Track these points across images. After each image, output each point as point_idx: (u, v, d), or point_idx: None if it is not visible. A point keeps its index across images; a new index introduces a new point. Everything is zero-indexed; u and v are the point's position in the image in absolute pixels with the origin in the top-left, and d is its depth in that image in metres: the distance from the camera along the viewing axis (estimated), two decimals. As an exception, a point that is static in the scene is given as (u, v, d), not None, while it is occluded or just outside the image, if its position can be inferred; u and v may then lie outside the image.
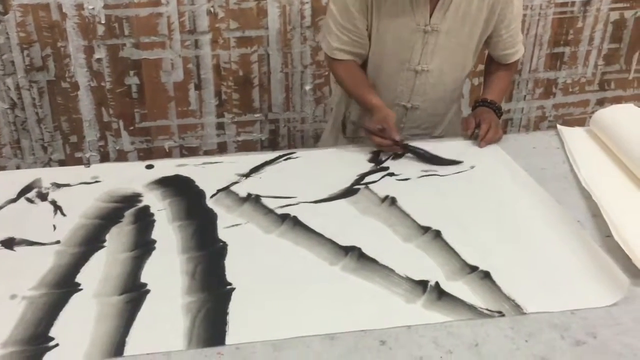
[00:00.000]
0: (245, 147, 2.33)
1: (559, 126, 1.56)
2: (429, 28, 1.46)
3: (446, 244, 1.10)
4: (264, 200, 1.24)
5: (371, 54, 1.53)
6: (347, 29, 1.48)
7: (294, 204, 1.23)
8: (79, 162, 2.21)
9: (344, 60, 1.53)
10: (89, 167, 1.38)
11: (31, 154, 2.18)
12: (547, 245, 1.09)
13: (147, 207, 1.22)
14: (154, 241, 1.11)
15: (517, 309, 0.94)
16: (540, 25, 2.42)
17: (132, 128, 2.21)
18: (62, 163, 2.21)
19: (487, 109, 1.55)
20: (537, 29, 2.43)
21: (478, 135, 1.47)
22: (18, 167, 2.18)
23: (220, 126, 2.28)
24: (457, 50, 1.53)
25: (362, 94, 1.50)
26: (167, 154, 2.27)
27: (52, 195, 1.26)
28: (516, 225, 1.15)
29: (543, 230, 1.14)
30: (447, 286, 0.99)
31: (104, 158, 2.23)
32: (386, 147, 1.40)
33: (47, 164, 2.20)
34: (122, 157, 2.25)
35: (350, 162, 1.40)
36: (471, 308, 0.94)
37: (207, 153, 2.30)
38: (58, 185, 1.30)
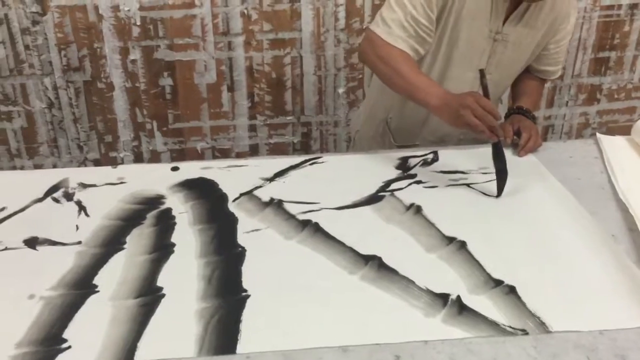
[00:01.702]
0: (278, 149, 2.33)
1: (598, 134, 1.50)
2: (499, 37, 1.40)
3: (471, 255, 1.06)
4: (286, 206, 1.22)
5: (440, 56, 1.45)
6: (417, 21, 1.34)
7: (316, 210, 1.21)
8: (113, 161, 2.24)
9: (398, 46, 1.37)
10: (116, 167, 1.39)
11: (67, 153, 2.22)
12: (578, 260, 1.04)
13: (169, 210, 1.22)
14: (173, 244, 1.11)
15: (542, 327, 0.89)
16: (585, 28, 2.34)
17: (165, 129, 2.23)
18: (97, 162, 2.25)
19: (523, 117, 1.49)
20: (581, 33, 2.35)
21: (517, 143, 1.42)
22: (55, 166, 2.22)
23: (252, 128, 2.28)
24: (516, 62, 1.48)
25: (426, 80, 1.33)
26: (199, 156, 2.28)
27: (78, 195, 1.27)
28: (546, 238, 1.11)
29: (574, 244, 1.08)
30: (469, 300, 0.95)
31: (138, 158, 2.26)
32: (491, 132, 1.22)
33: (83, 163, 2.24)
34: (155, 157, 2.27)
35: (377, 168, 1.37)
36: (493, 324, 0.90)
37: (239, 155, 2.30)
38: (84, 186, 1.31)
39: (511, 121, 1.48)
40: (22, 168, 2.21)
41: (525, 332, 0.89)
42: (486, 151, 1.43)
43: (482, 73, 1.26)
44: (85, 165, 2.23)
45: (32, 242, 1.12)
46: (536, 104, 1.59)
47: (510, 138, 1.43)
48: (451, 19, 1.38)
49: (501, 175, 1.23)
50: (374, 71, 1.42)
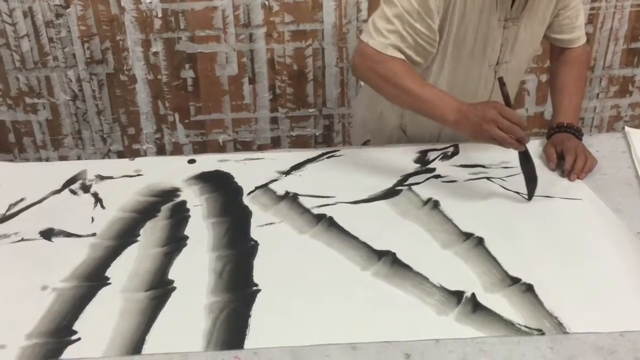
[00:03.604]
0: (299, 142, 2.31)
1: (626, 128, 1.45)
2: (510, 23, 1.31)
3: (488, 252, 1.03)
4: (301, 199, 1.21)
5: (448, 57, 1.34)
6: (416, 30, 1.23)
7: (331, 204, 1.19)
8: (136, 153, 2.26)
9: (397, 57, 1.25)
10: (133, 160, 1.39)
11: (91, 145, 2.24)
12: (599, 259, 1.01)
13: (183, 202, 1.22)
14: (186, 237, 1.10)
15: (559, 327, 0.87)
16: (616, 18, 2.27)
17: (187, 121, 2.23)
18: (120, 154, 2.26)
19: (567, 135, 1.34)
20: (613, 23, 2.27)
21: (563, 168, 1.29)
22: (79, 157, 2.24)
23: (274, 121, 2.27)
24: (531, 40, 1.39)
25: (436, 92, 1.22)
26: (221, 148, 2.28)
27: (95, 187, 1.28)
28: (566, 235, 1.07)
29: (596, 242, 1.05)
30: (484, 298, 0.93)
31: (160, 150, 2.27)
32: (518, 143, 1.13)
33: (106, 154, 2.26)
34: (177, 149, 2.27)
35: (395, 162, 1.35)
36: (508, 324, 0.88)
37: (260, 148, 2.29)
38: (102, 178, 1.31)
39: (553, 143, 1.35)
40: (47, 159, 2.24)
41: (541, 333, 0.86)
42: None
43: (501, 82, 1.16)
44: (109, 157, 2.25)
45: (47, 234, 1.13)
46: (577, 112, 1.43)
47: (554, 162, 1.30)
48: (455, 19, 1.27)
49: (531, 181, 1.18)
50: (374, 88, 1.30)
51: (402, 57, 1.25)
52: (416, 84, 1.22)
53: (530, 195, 1.19)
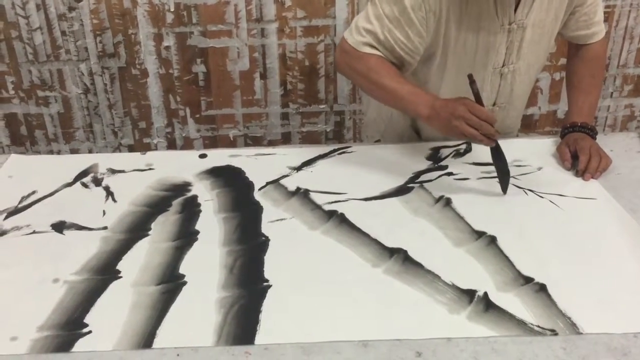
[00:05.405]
0: (310, 138, 2.31)
1: (641, 128, 1.43)
2: (515, 26, 1.28)
3: (500, 251, 1.03)
4: (313, 195, 1.21)
5: (448, 66, 1.32)
6: (394, 36, 1.24)
7: (343, 201, 1.19)
8: (147, 147, 2.26)
9: (374, 53, 1.26)
10: (144, 154, 1.40)
11: (102, 138, 2.25)
12: (613, 259, 1.00)
13: (195, 197, 1.22)
14: (197, 232, 1.10)
15: (573, 327, 0.86)
16: (632, 17, 2.24)
17: (198, 116, 2.23)
18: (131, 148, 2.26)
19: (581, 135, 1.33)
20: (628, 21, 2.25)
21: (577, 168, 1.28)
22: (90, 151, 2.25)
23: (285, 116, 2.27)
24: (542, 40, 1.36)
25: (410, 88, 1.22)
26: (231, 143, 2.28)
27: (107, 180, 1.28)
28: (579, 235, 1.06)
29: (609, 241, 1.04)
30: (496, 297, 0.92)
31: (171, 145, 2.27)
32: (487, 140, 1.15)
33: (117, 148, 2.26)
34: (188, 144, 2.28)
35: (406, 159, 1.34)
36: (520, 323, 0.87)
37: (271, 143, 2.29)
38: (113, 171, 1.32)
39: (566, 142, 1.34)
40: (59, 152, 2.25)
41: (554, 333, 0.85)
42: (521, 144, 1.39)
43: (471, 78, 1.16)
44: (120, 151, 2.25)
45: (59, 227, 1.13)
46: (592, 110, 1.41)
47: (569, 162, 1.29)
48: (452, 30, 1.25)
49: (504, 175, 1.20)
50: (353, 83, 1.32)
51: (378, 53, 1.26)
52: (391, 80, 1.23)
53: (504, 189, 1.20)
